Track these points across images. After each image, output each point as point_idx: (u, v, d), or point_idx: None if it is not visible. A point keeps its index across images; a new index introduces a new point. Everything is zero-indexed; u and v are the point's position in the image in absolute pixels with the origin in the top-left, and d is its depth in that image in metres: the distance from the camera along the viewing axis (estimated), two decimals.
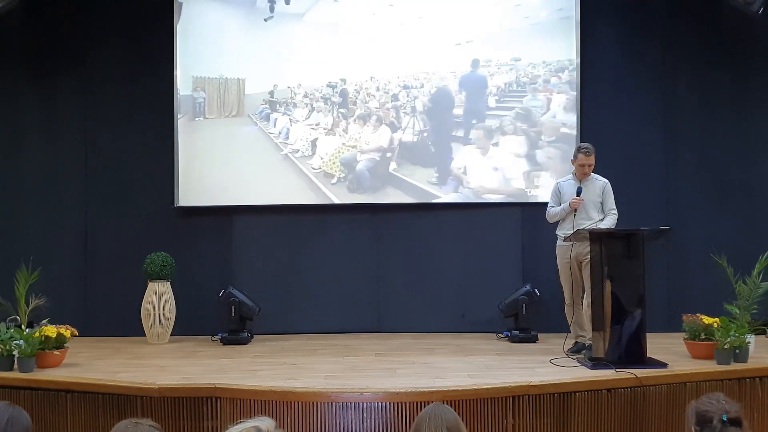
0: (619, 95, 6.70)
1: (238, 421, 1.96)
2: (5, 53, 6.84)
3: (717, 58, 6.63)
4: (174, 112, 6.75)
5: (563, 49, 6.68)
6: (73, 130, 6.85)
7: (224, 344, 6.06)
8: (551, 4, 6.71)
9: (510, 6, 6.74)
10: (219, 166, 6.80)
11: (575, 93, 6.65)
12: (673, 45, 6.70)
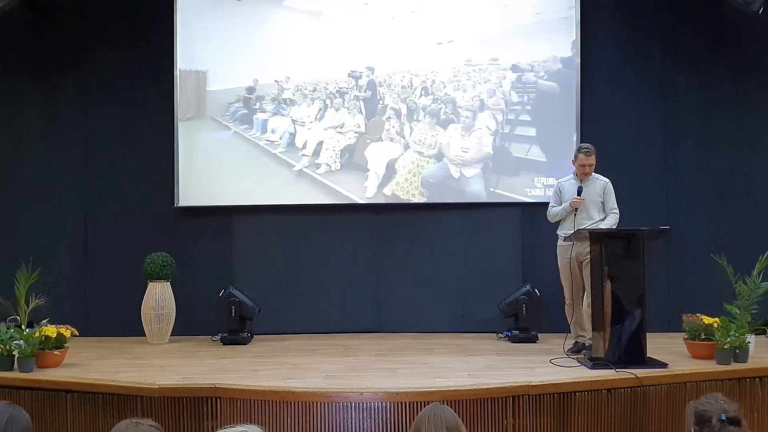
0: (619, 95, 6.70)
1: (227, 426, 1.97)
2: (5, 53, 6.83)
3: (717, 58, 6.63)
4: (174, 112, 6.73)
5: (563, 49, 6.67)
6: (73, 131, 6.84)
7: (224, 344, 6.06)
8: (551, 3, 6.69)
9: (510, 5, 6.73)
10: (219, 169, 6.59)
11: (575, 93, 6.64)
12: (673, 45, 6.69)
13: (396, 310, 6.69)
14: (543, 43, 6.66)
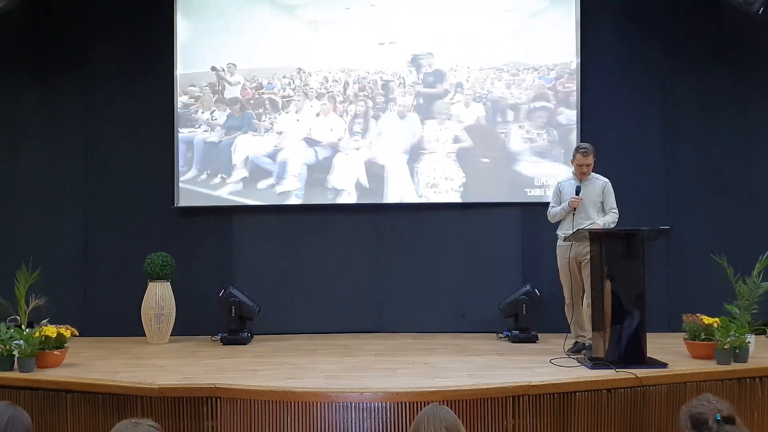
0: (619, 95, 6.70)
1: None
2: (5, 53, 6.83)
3: (717, 58, 6.63)
4: (174, 111, 6.74)
5: (563, 49, 6.66)
6: (73, 130, 6.85)
7: (224, 344, 6.06)
8: (552, 3, 6.69)
9: (511, 5, 6.72)
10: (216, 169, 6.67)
11: (575, 93, 6.64)
12: (673, 45, 6.70)
13: (396, 310, 6.69)
14: (543, 43, 6.66)
